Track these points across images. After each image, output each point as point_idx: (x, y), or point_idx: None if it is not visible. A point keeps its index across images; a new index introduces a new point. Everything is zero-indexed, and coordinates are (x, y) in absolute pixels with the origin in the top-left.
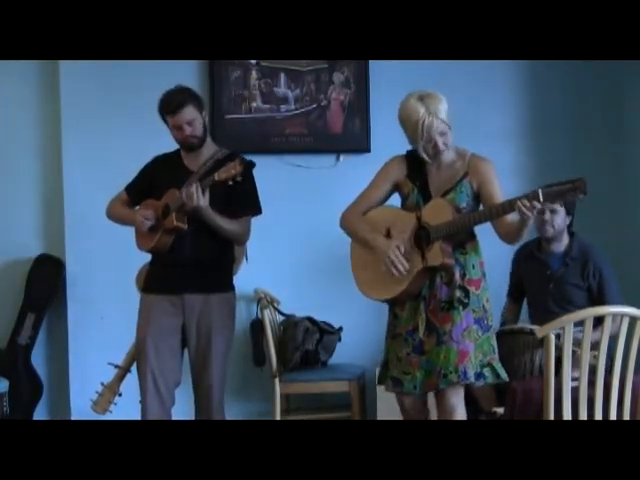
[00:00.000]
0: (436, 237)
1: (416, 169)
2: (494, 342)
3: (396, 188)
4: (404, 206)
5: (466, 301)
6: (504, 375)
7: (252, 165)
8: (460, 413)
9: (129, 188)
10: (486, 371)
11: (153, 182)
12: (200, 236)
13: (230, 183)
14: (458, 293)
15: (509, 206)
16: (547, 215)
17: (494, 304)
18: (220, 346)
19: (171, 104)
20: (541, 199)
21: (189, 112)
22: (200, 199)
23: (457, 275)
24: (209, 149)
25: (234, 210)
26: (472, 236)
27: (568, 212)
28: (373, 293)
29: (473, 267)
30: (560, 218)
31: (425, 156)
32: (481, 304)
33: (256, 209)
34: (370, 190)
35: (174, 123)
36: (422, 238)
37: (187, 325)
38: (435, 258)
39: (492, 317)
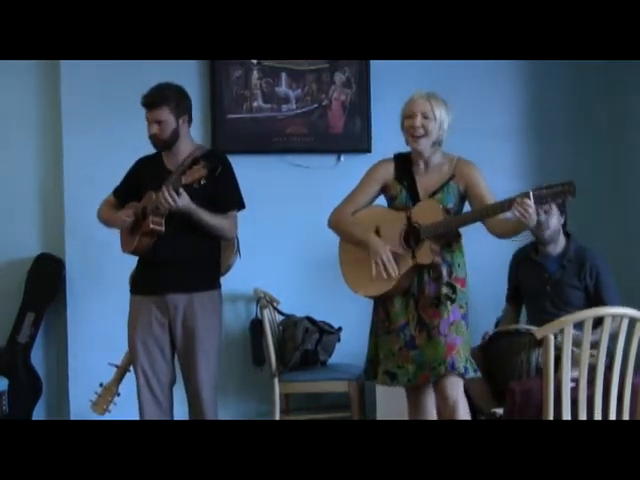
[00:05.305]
0: (426, 236)
1: (404, 171)
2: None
3: (383, 190)
4: (392, 206)
5: (453, 297)
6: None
7: (217, 167)
8: (462, 405)
9: (116, 191)
10: (469, 365)
11: (137, 183)
12: (182, 236)
13: (196, 186)
14: (445, 290)
15: (506, 206)
16: (542, 217)
17: (491, 304)
18: (206, 345)
19: (147, 98)
20: (531, 200)
21: (161, 113)
22: (176, 200)
23: (445, 272)
24: (188, 147)
25: (218, 207)
26: (458, 236)
27: (561, 212)
28: (362, 290)
29: (459, 265)
30: (555, 219)
31: (406, 138)
32: (466, 301)
33: (239, 203)
34: (358, 191)
35: (146, 116)
36: (412, 237)
37: (172, 325)
38: (425, 257)
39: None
